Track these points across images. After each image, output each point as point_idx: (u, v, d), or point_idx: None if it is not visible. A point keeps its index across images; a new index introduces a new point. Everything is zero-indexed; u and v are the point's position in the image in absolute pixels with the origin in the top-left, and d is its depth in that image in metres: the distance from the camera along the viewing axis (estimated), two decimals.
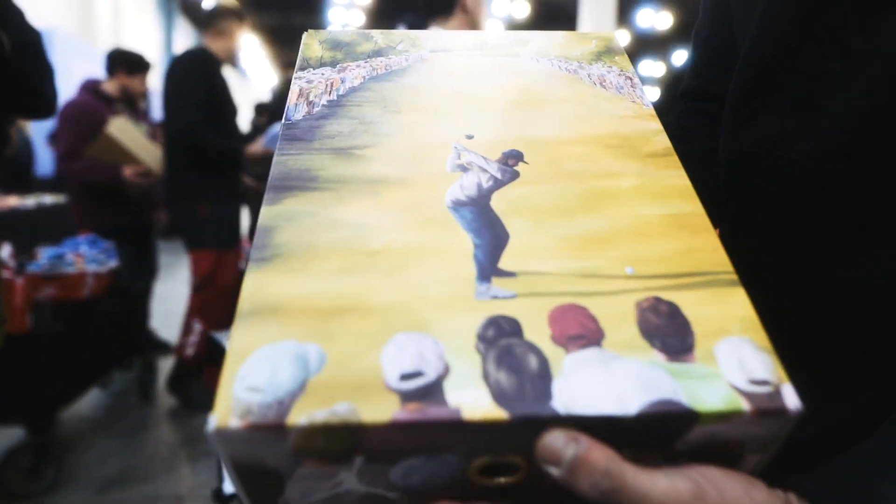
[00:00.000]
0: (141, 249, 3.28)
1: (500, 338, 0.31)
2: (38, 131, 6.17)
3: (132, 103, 3.26)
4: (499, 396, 0.29)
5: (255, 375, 0.29)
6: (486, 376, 0.29)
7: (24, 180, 5.63)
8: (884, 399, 0.39)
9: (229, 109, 2.84)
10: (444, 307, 0.32)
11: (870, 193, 0.39)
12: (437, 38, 0.55)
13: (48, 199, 4.60)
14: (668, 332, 0.32)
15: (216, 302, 2.84)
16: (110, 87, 3.18)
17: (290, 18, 13.21)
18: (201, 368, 2.91)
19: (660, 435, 0.29)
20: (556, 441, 0.28)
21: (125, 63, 3.18)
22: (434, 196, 0.39)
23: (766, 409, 0.29)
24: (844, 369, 0.42)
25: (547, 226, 0.37)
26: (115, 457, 2.50)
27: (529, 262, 0.35)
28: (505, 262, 0.35)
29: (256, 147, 2.86)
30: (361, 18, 12.35)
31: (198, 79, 2.67)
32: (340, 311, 0.32)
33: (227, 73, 2.94)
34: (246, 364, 0.29)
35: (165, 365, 3.32)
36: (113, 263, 2.57)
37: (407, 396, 0.28)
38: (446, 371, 0.29)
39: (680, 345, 0.31)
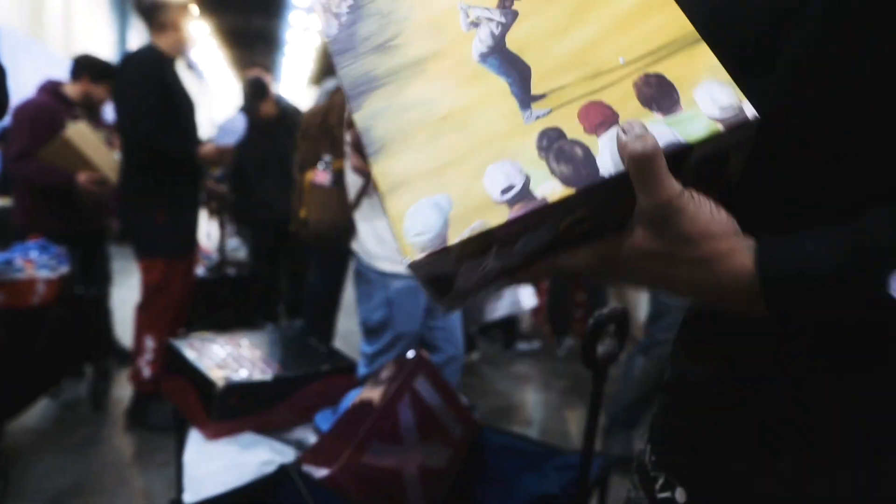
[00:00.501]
0: (92, 255, 3.19)
1: (552, 143, 0.44)
2: None
3: (93, 109, 3.18)
4: (565, 180, 0.43)
5: (416, 226, 0.43)
6: (552, 171, 0.43)
7: None
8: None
9: (185, 108, 2.77)
10: (508, 136, 0.45)
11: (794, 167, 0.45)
12: None
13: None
14: (659, 96, 0.43)
15: (168, 314, 2.74)
16: (72, 90, 3.09)
17: (250, 21, 13.04)
18: (159, 387, 2.67)
19: (672, 162, 0.41)
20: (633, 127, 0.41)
21: (92, 69, 3.10)
22: (464, 56, 0.48)
23: (734, 123, 0.42)
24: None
25: (552, 48, 0.47)
26: (65, 470, 2.41)
27: (550, 82, 0.46)
28: (534, 88, 0.46)
29: (208, 148, 2.76)
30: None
31: (150, 81, 2.59)
32: (443, 166, 0.45)
33: (183, 74, 2.89)
34: (405, 222, 0.43)
35: (121, 374, 3.23)
36: (64, 269, 2.49)
37: (511, 202, 0.43)
38: (527, 178, 0.43)
39: (669, 102, 0.43)
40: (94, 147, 2.93)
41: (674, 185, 0.40)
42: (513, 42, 0.48)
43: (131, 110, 2.60)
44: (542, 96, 0.46)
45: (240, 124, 2.87)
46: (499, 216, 0.42)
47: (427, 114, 0.47)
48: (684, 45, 0.44)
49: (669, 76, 0.44)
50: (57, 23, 8.61)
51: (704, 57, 0.44)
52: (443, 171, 0.45)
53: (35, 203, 2.97)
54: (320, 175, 2.23)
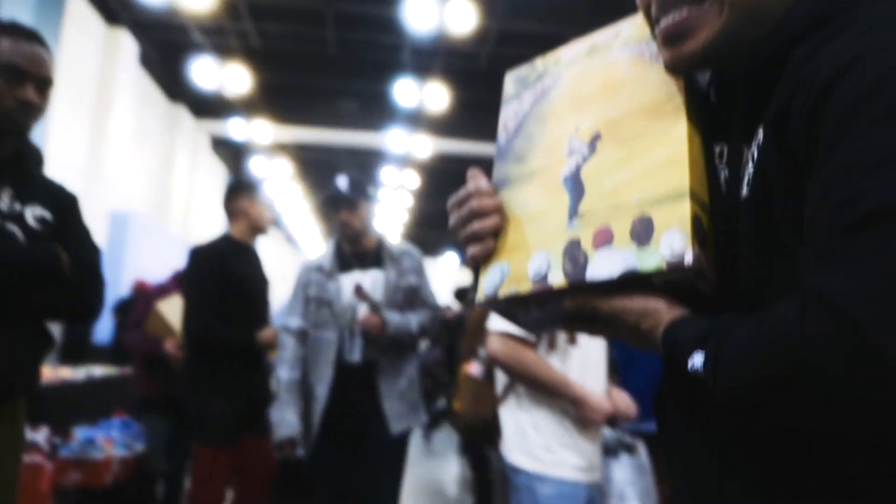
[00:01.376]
0: (178, 427, 3.31)
1: (572, 248, 0.65)
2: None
3: None
4: (566, 276, 0.64)
5: (487, 280, 0.70)
6: (563, 268, 0.64)
7: (80, 348, 5.94)
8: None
9: (253, 293, 2.86)
10: (553, 236, 0.67)
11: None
12: (568, 50, 0.80)
13: (98, 370, 4.81)
14: (642, 232, 0.60)
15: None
16: None
17: None
18: None
19: (639, 279, 0.59)
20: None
21: None
22: (556, 175, 0.71)
23: (675, 265, 0.57)
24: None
25: (602, 181, 0.66)
26: None
27: (590, 206, 0.66)
28: (580, 207, 0.66)
29: (267, 333, 2.73)
30: (409, 199, 13.24)
31: (207, 274, 2.71)
32: (515, 245, 0.70)
33: (275, 240, 3.07)
34: (485, 277, 0.70)
35: None
36: (140, 447, 2.64)
37: (534, 280, 0.66)
38: (549, 267, 0.65)
39: (645, 238, 0.59)
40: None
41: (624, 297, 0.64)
42: (584, 171, 0.68)
43: (189, 304, 2.77)
44: (581, 215, 0.66)
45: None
46: (526, 287, 0.66)
47: (524, 209, 0.71)
48: (676, 198, 0.60)
49: (655, 220, 0.60)
50: (179, 207, 9.80)
51: (682, 211, 0.59)
52: (514, 249, 0.69)
53: (142, 371, 3.21)
54: (474, 367, 2.22)
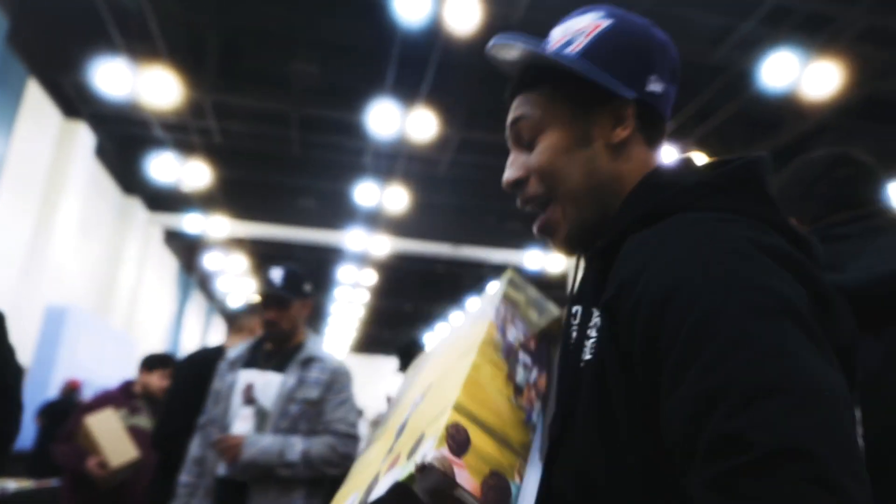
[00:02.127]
0: None
1: (372, 482, 0.65)
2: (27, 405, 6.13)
3: (152, 399, 3.32)
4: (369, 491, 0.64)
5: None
6: (360, 499, 0.65)
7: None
8: None
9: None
10: (369, 476, 0.68)
11: None
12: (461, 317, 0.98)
13: (12, 484, 4.36)
14: (413, 448, 0.60)
15: None
16: (137, 384, 3.36)
17: None
18: None
19: (407, 499, 0.58)
20: None
21: (146, 360, 3.39)
22: (395, 426, 0.76)
23: (419, 467, 0.56)
24: None
25: (417, 421, 0.69)
26: None
27: (400, 441, 0.68)
28: (394, 445, 0.69)
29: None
30: (366, 297, 13.14)
31: (190, 383, 2.61)
32: (340, 495, 0.73)
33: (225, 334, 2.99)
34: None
35: None
36: None
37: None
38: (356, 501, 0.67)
39: (413, 452, 0.59)
40: (112, 433, 3.05)
41: None
42: (412, 417, 0.72)
43: (163, 410, 2.66)
44: (391, 451, 0.69)
45: None
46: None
47: (360, 464, 0.76)
48: (443, 412, 0.62)
49: (425, 435, 0.61)
50: (124, 301, 9.43)
51: (442, 420, 0.60)
52: (338, 499, 0.73)
53: (71, 487, 3.07)
54: None
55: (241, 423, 2.10)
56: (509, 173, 0.77)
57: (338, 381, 2.21)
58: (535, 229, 0.77)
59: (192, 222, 9.33)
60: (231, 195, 8.69)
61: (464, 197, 8.66)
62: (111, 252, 9.09)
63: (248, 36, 6.06)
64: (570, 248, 0.76)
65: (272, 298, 2.17)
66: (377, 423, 3.59)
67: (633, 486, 0.58)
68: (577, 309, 0.72)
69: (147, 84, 5.95)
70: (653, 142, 0.77)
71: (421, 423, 0.66)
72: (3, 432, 1.49)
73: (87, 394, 5.93)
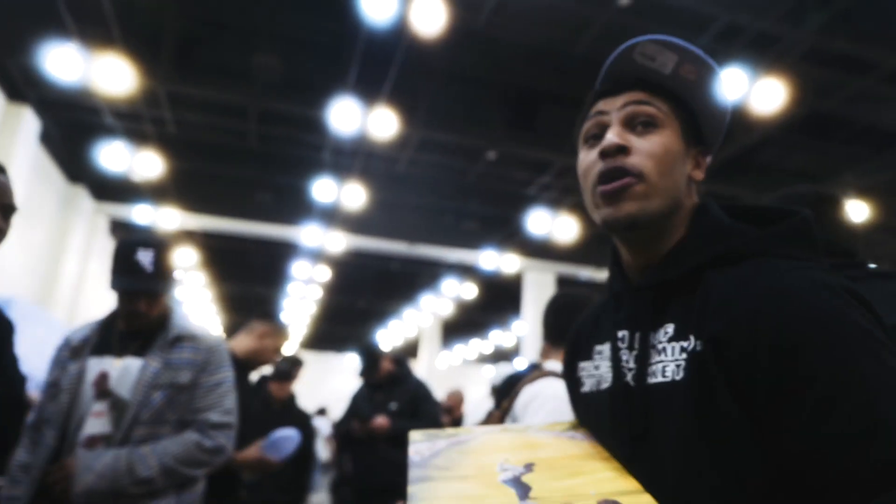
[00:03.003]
0: None
1: None
2: None
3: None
4: None
5: None
6: None
7: None
8: None
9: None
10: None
11: None
12: (478, 427, 0.94)
13: None
14: None
15: None
16: None
17: (250, 290, 13.83)
18: None
19: None
20: None
21: None
22: (494, 478, 0.71)
23: None
24: None
25: (545, 483, 0.69)
26: None
27: (541, 493, 0.67)
28: (532, 494, 0.67)
29: (250, 453, 2.52)
30: (319, 293, 13.02)
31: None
32: None
33: None
34: None
35: None
36: None
37: None
38: None
39: None
40: None
41: None
42: (524, 478, 0.71)
43: None
44: (533, 498, 0.66)
45: (291, 445, 2.65)
46: None
47: (460, 492, 0.70)
48: (636, 493, 0.65)
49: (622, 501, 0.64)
50: (67, 292, 9.09)
51: (647, 499, 0.64)
52: None
53: None
54: None
55: (95, 422, 1.76)
56: (618, 139, 0.79)
57: (212, 362, 1.89)
58: (608, 187, 0.78)
59: (141, 213, 9.07)
60: (184, 187, 8.48)
61: (421, 196, 8.69)
62: (55, 242, 8.75)
63: (209, 26, 5.94)
64: (628, 223, 0.78)
65: (141, 291, 1.82)
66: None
67: (739, 497, 0.64)
68: (623, 334, 0.79)
69: (99, 70, 5.76)
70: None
71: (576, 489, 0.68)
72: (9, 439, 1.53)
73: (30, 388, 5.70)
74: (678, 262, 0.77)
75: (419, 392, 4.00)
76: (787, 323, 0.63)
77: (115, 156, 7.49)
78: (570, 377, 0.92)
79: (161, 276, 1.83)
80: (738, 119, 6.17)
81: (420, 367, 15.49)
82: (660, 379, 0.71)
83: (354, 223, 8.89)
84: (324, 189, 7.79)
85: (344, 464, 4.08)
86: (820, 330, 0.62)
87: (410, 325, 15.86)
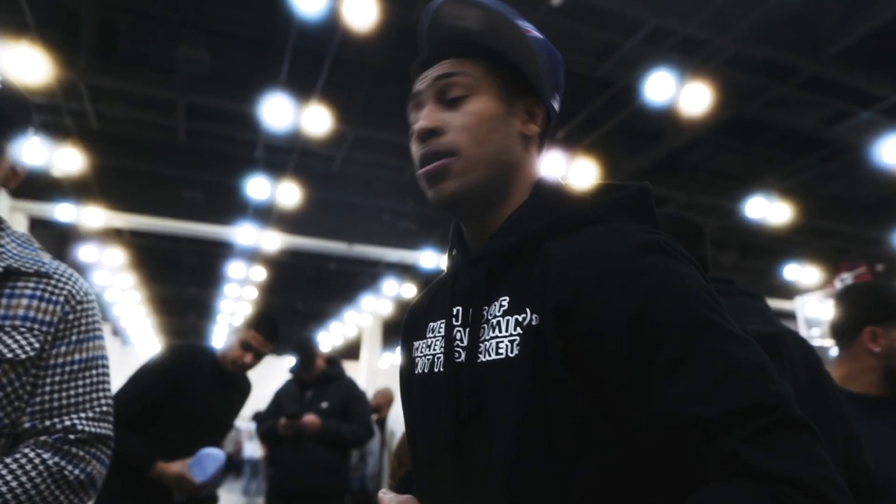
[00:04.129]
0: None
1: None
2: None
3: None
4: None
5: None
6: None
7: None
8: None
9: (195, 414, 2.55)
10: None
11: None
12: None
13: None
14: None
15: None
16: None
17: (183, 291, 13.36)
18: None
19: None
20: None
21: None
22: None
23: None
24: None
25: None
26: None
27: None
28: None
29: (172, 468, 2.40)
30: (255, 293, 12.70)
31: (153, 374, 2.51)
32: None
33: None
34: None
35: None
36: None
37: None
38: None
39: None
40: None
41: None
42: None
43: (119, 393, 2.43)
44: None
45: (215, 465, 2.48)
46: None
47: None
48: None
49: None
50: None
51: None
52: None
53: None
54: None
55: None
56: (427, 122, 0.77)
57: (77, 323, 1.12)
58: (426, 171, 0.78)
59: (63, 211, 8.62)
60: (108, 184, 8.10)
61: (358, 195, 8.58)
62: None
63: (129, 15, 5.67)
64: (452, 201, 0.77)
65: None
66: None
67: (579, 481, 0.62)
68: (457, 309, 0.75)
69: (12, 60, 5.42)
70: (542, 150, 0.84)
71: None
72: None
73: None
74: (514, 228, 0.75)
75: (352, 393, 3.91)
76: (631, 287, 0.62)
77: (31, 151, 7.08)
78: (406, 359, 0.86)
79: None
80: (669, 120, 6.34)
81: (361, 368, 15.33)
82: (493, 357, 0.67)
83: (290, 222, 8.70)
84: (257, 187, 7.59)
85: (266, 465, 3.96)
86: (666, 290, 0.61)
87: (350, 326, 15.69)
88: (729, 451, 0.54)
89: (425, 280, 11.23)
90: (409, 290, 11.65)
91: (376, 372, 14.85)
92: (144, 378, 2.52)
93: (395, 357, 16.90)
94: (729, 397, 0.55)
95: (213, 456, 2.48)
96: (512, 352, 0.66)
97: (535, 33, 0.81)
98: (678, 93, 5.63)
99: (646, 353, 0.59)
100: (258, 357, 2.72)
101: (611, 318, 0.62)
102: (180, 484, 2.39)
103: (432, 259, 9.75)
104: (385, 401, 5.92)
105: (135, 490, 2.37)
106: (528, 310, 0.67)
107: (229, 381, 2.71)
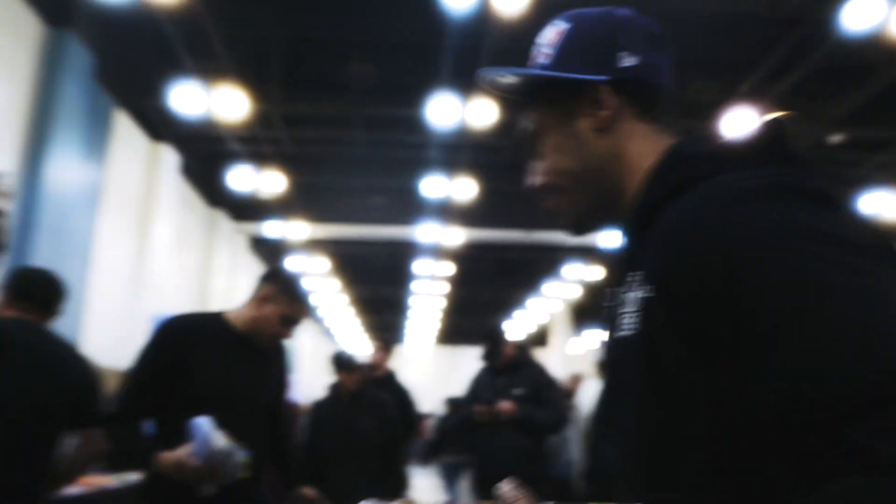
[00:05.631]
0: None
1: None
2: None
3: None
4: None
5: None
6: None
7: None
8: None
9: (203, 394, 1.99)
10: None
11: None
12: None
13: (133, 476, 4.51)
14: None
15: None
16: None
17: (378, 291, 14.43)
18: None
19: None
20: None
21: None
22: None
23: None
24: None
25: None
26: None
27: None
28: None
29: (169, 457, 1.87)
30: (445, 287, 13.29)
31: (154, 353, 2.05)
32: None
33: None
34: None
35: None
36: None
37: None
38: None
39: None
40: None
41: None
42: None
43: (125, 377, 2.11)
44: None
45: (198, 432, 1.86)
46: None
47: None
48: None
49: None
50: (218, 308, 9.99)
51: None
52: None
53: None
54: None
55: None
56: (528, 181, 0.84)
57: None
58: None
59: (272, 228, 9.76)
60: (306, 199, 9.02)
61: None
62: (203, 262, 9.66)
63: (306, 44, 6.26)
64: (577, 230, 0.84)
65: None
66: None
67: (700, 461, 0.59)
68: (610, 290, 0.78)
69: (218, 101, 6.28)
70: (649, 111, 0.79)
71: None
72: None
73: None
74: (632, 206, 0.74)
75: (542, 378, 3.95)
76: (727, 250, 0.56)
77: (242, 178, 8.13)
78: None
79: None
80: (878, 49, 5.47)
81: (552, 355, 15.31)
82: (622, 333, 0.67)
83: (469, 216, 8.97)
84: (433, 185, 7.93)
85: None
86: (760, 247, 0.54)
87: (539, 313, 15.73)
88: (856, 441, 0.47)
89: (610, 261, 10.90)
90: (594, 273, 11.38)
91: (567, 358, 14.75)
92: (138, 367, 2.07)
93: (587, 342, 16.62)
94: (850, 374, 0.48)
95: (195, 424, 1.88)
96: (631, 327, 0.66)
97: (562, 22, 0.81)
98: (889, 15, 4.82)
99: (744, 326, 0.54)
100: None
101: (706, 284, 0.57)
102: (181, 471, 1.88)
103: (612, 238, 9.43)
104: (576, 384, 5.90)
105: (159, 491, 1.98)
106: (644, 283, 0.66)
107: (250, 349, 2.14)
